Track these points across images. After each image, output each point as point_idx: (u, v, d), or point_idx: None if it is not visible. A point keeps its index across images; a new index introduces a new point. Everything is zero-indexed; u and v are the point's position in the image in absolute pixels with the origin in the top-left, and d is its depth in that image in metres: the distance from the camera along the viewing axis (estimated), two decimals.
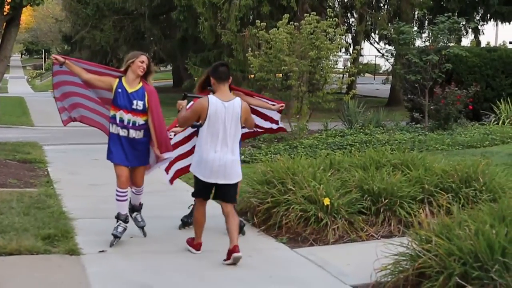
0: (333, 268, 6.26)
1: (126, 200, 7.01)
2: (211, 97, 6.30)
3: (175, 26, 32.86)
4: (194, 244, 6.68)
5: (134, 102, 6.80)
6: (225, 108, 6.26)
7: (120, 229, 6.92)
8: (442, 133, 15.38)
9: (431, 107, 16.55)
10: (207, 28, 25.07)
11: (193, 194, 6.71)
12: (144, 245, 6.89)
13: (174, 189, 8.52)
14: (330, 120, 17.55)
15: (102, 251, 6.62)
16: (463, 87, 17.07)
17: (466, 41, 34.61)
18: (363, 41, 31.89)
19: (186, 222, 7.60)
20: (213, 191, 6.54)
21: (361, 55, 38.15)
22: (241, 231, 7.21)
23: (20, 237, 6.68)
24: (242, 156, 12.51)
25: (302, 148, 13.07)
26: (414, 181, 7.90)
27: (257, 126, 7.62)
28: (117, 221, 6.95)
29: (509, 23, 31.23)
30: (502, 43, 41.52)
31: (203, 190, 6.51)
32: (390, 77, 30.27)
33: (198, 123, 6.37)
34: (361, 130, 15.78)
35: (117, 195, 6.96)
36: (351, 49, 30.12)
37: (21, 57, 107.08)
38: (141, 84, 6.88)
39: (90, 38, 33.25)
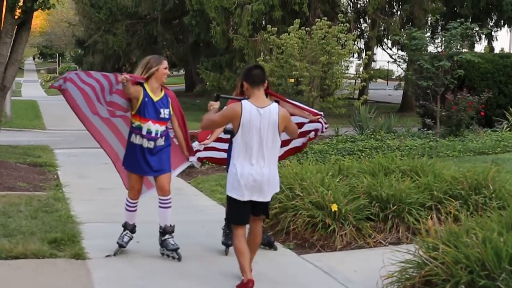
0: (340, 275, 6.22)
1: (135, 210, 6.79)
2: (245, 102, 5.59)
3: (188, 31, 32.98)
4: (245, 283, 5.67)
5: (161, 111, 6.48)
6: (260, 116, 5.54)
7: (126, 238, 6.76)
8: (453, 140, 15.29)
9: (443, 113, 16.46)
10: (219, 33, 25.13)
11: (230, 221, 6.03)
12: (151, 251, 6.86)
13: (180, 194, 8.51)
14: (341, 125, 17.49)
15: (109, 255, 6.60)
16: (475, 94, 16.96)
17: (479, 47, 34.48)
18: (375, 47, 31.88)
19: (229, 245, 6.76)
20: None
21: (374, 61, 38.12)
22: (272, 246, 7.05)
23: (27, 241, 6.69)
24: None
25: (312, 153, 13.03)
26: (423, 187, 7.84)
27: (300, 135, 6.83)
28: (124, 230, 6.79)
29: None
30: None
31: (241, 213, 5.72)
32: (403, 83, 30.18)
33: (231, 128, 5.78)
34: (372, 136, 15.71)
35: (127, 205, 6.76)
36: (363, 55, 30.06)
37: (34, 60, 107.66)
38: (163, 91, 6.60)
39: (103, 42, 33.37)
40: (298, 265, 6.69)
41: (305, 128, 6.97)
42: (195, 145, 6.70)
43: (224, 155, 7.04)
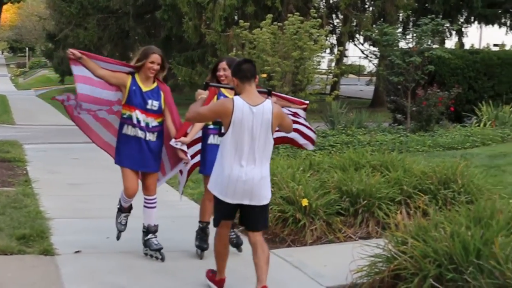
0: (310, 269, 6.24)
1: (131, 202, 6.59)
2: (237, 99, 5.16)
3: (160, 26, 32.78)
4: (216, 280, 5.65)
5: (149, 102, 6.25)
6: (253, 114, 5.12)
7: (124, 221, 6.62)
8: (423, 135, 15.40)
9: (413, 108, 16.59)
10: (191, 28, 25.03)
11: (215, 221, 5.51)
12: (121, 246, 6.81)
13: None
14: (312, 121, 17.47)
15: (78, 251, 6.55)
16: (445, 89, 17.11)
17: (450, 43, 34.78)
18: (347, 42, 31.97)
19: (205, 248, 6.64)
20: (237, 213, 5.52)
21: (345, 56, 38.24)
22: (239, 247, 6.72)
23: None
24: None
25: (283, 148, 13.04)
26: (393, 182, 7.90)
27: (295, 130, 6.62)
28: (119, 215, 6.62)
29: (493, 26, 31.40)
30: (486, 46, 41.71)
31: (226, 212, 5.38)
32: (374, 79, 30.33)
33: (219, 121, 5.40)
34: (343, 131, 15.77)
35: (123, 200, 6.54)
36: (335, 50, 30.17)
37: (3, 54, 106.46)
38: (156, 83, 6.37)
39: (74, 37, 33.04)
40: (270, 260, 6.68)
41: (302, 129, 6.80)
42: (172, 143, 6.30)
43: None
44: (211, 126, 6.34)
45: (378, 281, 5.38)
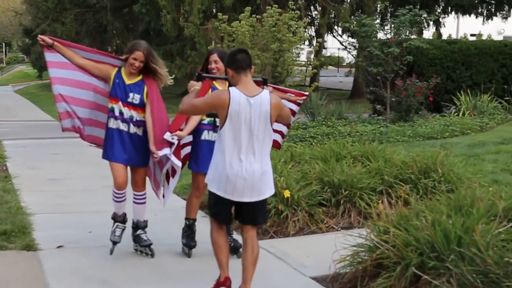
0: (293, 260, 6.27)
1: (124, 200, 6.31)
2: (233, 90, 4.92)
3: (138, 19, 32.59)
4: (221, 281, 5.20)
5: (131, 94, 6.11)
6: (250, 106, 4.86)
7: (118, 232, 6.32)
8: (403, 125, 15.49)
9: (393, 99, 16.68)
10: (169, 21, 24.92)
11: (210, 213, 5.33)
12: (103, 241, 6.78)
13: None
14: None
15: (60, 246, 6.53)
16: (424, 79, 17.22)
17: (428, 34, 34.93)
18: (326, 34, 32.02)
19: (192, 246, 6.47)
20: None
21: (324, 48, 38.29)
22: (237, 252, 6.33)
23: None
24: None
25: None
26: (374, 172, 7.95)
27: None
28: (114, 224, 6.35)
29: (470, 16, 31.59)
30: (463, 36, 41.96)
31: (222, 211, 5.12)
32: (353, 70, 30.41)
33: (214, 113, 5.33)
34: (324, 123, 15.83)
35: (114, 196, 6.28)
36: (314, 42, 30.18)
37: None
38: (140, 76, 6.20)
39: (51, 32, 32.62)
40: None
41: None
42: (166, 136, 6.04)
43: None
44: (206, 121, 6.16)
45: (360, 271, 5.42)
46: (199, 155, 6.20)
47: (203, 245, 6.66)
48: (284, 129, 6.91)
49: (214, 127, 5.67)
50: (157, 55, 6.30)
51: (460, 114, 17.44)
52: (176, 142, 6.03)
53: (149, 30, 31.12)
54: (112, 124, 6.18)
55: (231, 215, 5.19)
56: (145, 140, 6.15)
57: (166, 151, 6.02)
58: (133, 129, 6.16)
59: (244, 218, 5.12)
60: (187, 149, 6.43)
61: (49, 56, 6.18)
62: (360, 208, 7.48)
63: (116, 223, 6.34)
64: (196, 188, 6.38)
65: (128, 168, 6.31)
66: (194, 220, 6.53)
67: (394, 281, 4.99)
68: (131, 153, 6.18)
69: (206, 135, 6.19)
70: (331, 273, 5.62)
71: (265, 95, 4.96)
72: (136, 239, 6.42)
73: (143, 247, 6.38)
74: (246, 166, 4.88)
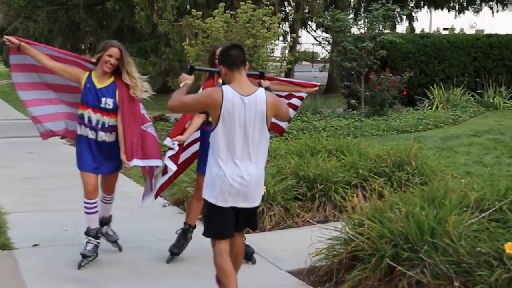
0: (269, 254, 6.30)
1: (96, 212, 6.00)
2: (226, 88, 4.56)
3: (111, 17, 32.39)
4: None
5: (103, 100, 5.79)
6: (245, 106, 4.53)
7: (90, 246, 5.95)
8: (377, 119, 15.61)
9: (367, 93, 16.79)
10: (143, 18, 24.79)
11: (207, 234, 4.80)
12: (79, 239, 6.74)
13: None
14: None
15: (36, 245, 6.50)
16: (397, 73, 17.36)
17: (401, 28, 35.13)
18: (300, 29, 32.08)
19: (175, 253, 6.18)
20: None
21: (299, 43, 38.38)
22: (251, 259, 6.05)
23: None
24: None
25: None
26: (349, 166, 8.02)
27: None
28: (86, 237, 6.00)
29: (442, 10, 31.84)
30: (436, 30, 42.26)
31: (223, 223, 4.66)
32: (327, 65, 30.53)
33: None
34: (299, 117, 15.89)
35: (85, 207, 5.95)
36: (288, 37, 30.24)
37: None
38: (112, 78, 5.87)
39: (24, 29, 32.38)
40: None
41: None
42: (167, 142, 5.75)
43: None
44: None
45: (336, 263, 5.47)
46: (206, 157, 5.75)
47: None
48: (284, 124, 6.58)
49: (207, 124, 5.38)
50: (131, 60, 6.04)
51: (434, 107, 17.62)
52: (176, 148, 5.77)
53: (122, 28, 30.98)
54: (82, 131, 5.90)
55: (233, 225, 4.72)
56: (115, 147, 5.90)
57: (136, 162, 5.92)
58: (102, 136, 5.86)
59: (241, 224, 4.81)
60: (196, 147, 6.15)
61: (14, 59, 5.93)
62: (335, 201, 7.54)
63: (89, 237, 6.00)
64: (198, 190, 5.88)
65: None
66: (191, 226, 6.19)
67: (369, 273, 5.05)
68: (100, 161, 5.91)
69: None
70: (307, 267, 5.67)
71: (261, 93, 4.62)
72: (103, 234, 6.28)
73: (110, 242, 6.35)
74: (242, 170, 4.56)
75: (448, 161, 9.75)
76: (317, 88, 6.50)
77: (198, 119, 5.77)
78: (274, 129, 6.36)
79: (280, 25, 20.96)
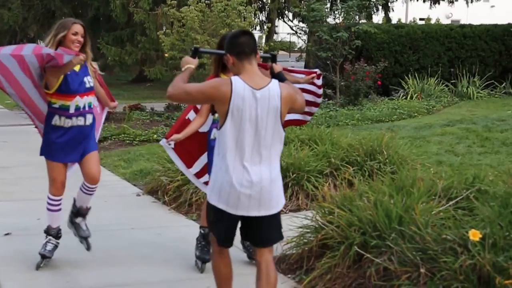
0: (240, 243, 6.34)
1: (59, 210, 5.64)
2: (236, 80, 4.01)
3: (86, 5, 32.15)
4: None
5: (86, 80, 5.42)
6: (256, 101, 3.99)
7: (49, 246, 5.64)
8: (352, 109, 15.72)
9: (342, 83, 16.89)
10: (119, 7, 24.69)
11: (212, 232, 4.33)
12: None
13: None
14: None
15: (8, 234, 6.51)
16: (372, 63, 17.48)
17: (377, 18, 35.25)
18: (277, 19, 32.10)
19: (207, 260, 5.57)
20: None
21: (276, 33, 38.38)
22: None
23: None
24: (155, 135, 12.54)
25: None
26: (321, 155, 8.09)
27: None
28: (46, 237, 5.68)
29: (417, 1, 31.98)
30: (412, 20, 42.50)
31: (225, 229, 4.19)
32: (304, 55, 30.59)
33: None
34: None
35: (49, 203, 5.59)
36: (265, 27, 30.24)
37: None
38: None
39: None
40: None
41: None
42: (163, 143, 5.48)
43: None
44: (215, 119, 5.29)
45: (307, 251, 5.54)
46: (210, 157, 5.33)
47: (152, 230, 6.75)
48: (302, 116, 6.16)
49: (212, 112, 5.02)
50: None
51: (408, 97, 17.77)
52: (172, 146, 5.49)
53: (98, 16, 30.78)
54: (63, 122, 5.38)
55: (234, 233, 4.26)
56: (93, 124, 5.60)
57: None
58: (89, 119, 5.50)
59: (253, 238, 4.26)
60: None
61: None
62: (308, 190, 7.60)
63: (49, 237, 5.68)
64: None
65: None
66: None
67: (338, 260, 5.11)
68: (86, 143, 5.50)
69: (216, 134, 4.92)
70: (278, 255, 5.70)
71: (274, 86, 4.09)
72: (75, 225, 5.82)
73: (80, 238, 5.82)
74: (251, 173, 4.03)
75: (420, 150, 9.88)
76: (315, 75, 5.89)
77: (200, 119, 5.31)
78: (292, 124, 6.31)
79: (257, 15, 20.98)
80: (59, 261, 5.75)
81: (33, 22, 33.35)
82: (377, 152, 8.12)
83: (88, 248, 5.79)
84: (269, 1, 28.36)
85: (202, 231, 5.66)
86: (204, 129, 5.47)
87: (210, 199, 4.15)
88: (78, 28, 5.33)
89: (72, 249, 6.05)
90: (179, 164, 5.67)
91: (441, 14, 47.73)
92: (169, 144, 5.40)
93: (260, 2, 30.50)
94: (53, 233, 5.67)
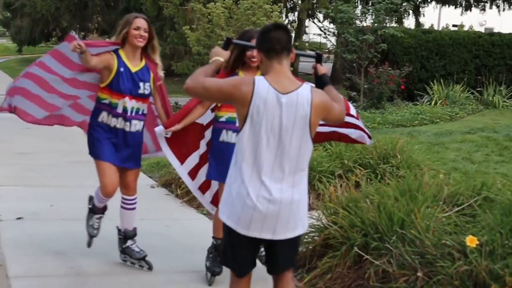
0: None
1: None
2: (260, 81, 3.49)
3: None
4: None
5: (141, 84, 5.11)
6: (281, 106, 3.45)
7: (97, 224, 5.51)
8: (374, 112, 15.68)
9: (365, 86, 16.87)
10: (149, 1, 24.93)
11: (223, 262, 3.97)
12: (63, 213, 6.90)
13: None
14: None
15: (20, 218, 6.64)
16: (398, 67, 17.41)
17: (409, 23, 35.06)
18: (307, 20, 32.11)
19: (217, 272, 5.29)
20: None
21: (306, 33, 38.37)
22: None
23: None
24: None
25: None
26: (335, 156, 8.12)
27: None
28: (90, 217, 5.52)
29: (449, 6, 31.76)
30: (445, 26, 42.20)
31: (239, 253, 3.63)
32: (332, 56, 30.55)
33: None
34: None
35: (97, 199, 5.41)
36: (291, 26, 30.26)
37: None
38: (144, 61, 5.20)
39: (31, 6, 32.57)
40: (209, 229, 6.71)
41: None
42: (159, 130, 5.14)
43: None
44: (224, 119, 4.98)
45: (310, 250, 5.58)
46: (217, 161, 5.01)
47: (162, 222, 6.82)
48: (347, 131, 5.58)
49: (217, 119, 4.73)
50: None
51: (433, 103, 17.66)
52: (168, 136, 5.16)
53: (129, 9, 30.95)
54: (109, 120, 5.15)
55: (254, 258, 3.72)
56: (141, 136, 5.32)
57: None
58: (136, 125, 5.19)
59: (268, 263, 3.77)
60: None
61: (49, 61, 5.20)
62: (319, 190, 7.63)
63: (96, 215, 5.50)
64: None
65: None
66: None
67: (339, 260, 5.15)
68: (125, 154, 5.21)
69: (225, 136, 4.98)
70: None
71: (305, 91, 3.52)
72: (126, 251, 5.52)
73: (136, 260, 5.50)
74: (271, 190, 3.47)
75: (437, 156, 9.87)
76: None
77: (201, 109, 5.04)
78: (326, 138, 5.68)
79: (282, 14, 21.00)
80: (65, 247, 5.86)
81: (65, 11, 33.71)
82: (391, 155, 8.13)
83: (150, 267, 5.46)
84: (300, 1, 28.36)
85: (214, 242, 5.37)
86: (202, 120, 5.23)
87: (220, 213, 3.61)
88: (140, 22, 5.06)
89: (79, 235, 6.13)
90: (172, 159, 5.28)
91: (475, 22, 47.28)
92: (166, 134, 5.10)
93: (291, 2, 30.55)
94: (100, 211, 5.49)
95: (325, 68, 3.99)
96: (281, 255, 3.65)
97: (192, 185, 5.44)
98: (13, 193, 7.61)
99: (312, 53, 4.14)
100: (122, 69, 5.03)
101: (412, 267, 4.67)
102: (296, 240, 3.69)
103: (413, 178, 6.01)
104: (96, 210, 5.47)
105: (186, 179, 5.39)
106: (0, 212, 6.72)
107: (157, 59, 5.32)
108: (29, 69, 5.30)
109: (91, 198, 5.55)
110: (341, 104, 3.75)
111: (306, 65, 37.20)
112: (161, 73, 5.33)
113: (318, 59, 4.05)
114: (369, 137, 5.53)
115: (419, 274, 4.58)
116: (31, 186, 8.11)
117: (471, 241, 4.33)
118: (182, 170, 5.33)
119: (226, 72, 4.89)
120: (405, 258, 4.73)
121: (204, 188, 5.46)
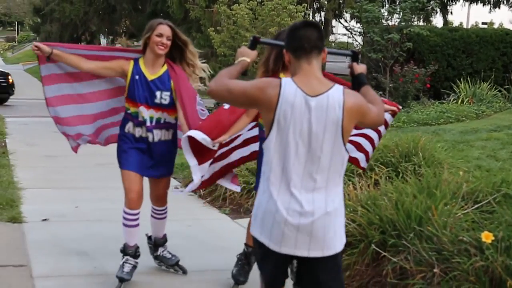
0: None
1: (137, 226, 5.07)
2: (287, 83, 3.20)
3: (146, 0, 32.77)
4: None
5: (157, 93, 4.83)
6: (309, 110, 3.16)
7: (127, 267, 5.05)
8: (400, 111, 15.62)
9: (390, 85, 16.84)
10: (175, 3, 25.12)
11: (258, 267, 3.51)
12: (88, 215, 7.02)
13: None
14: None
15: (45, 219, 6.76)
16: (424, 66, 17.35)
17: (437, 21, 34.89)
18: (333, 19, 32.07)
19: (241, 282, 5.17)
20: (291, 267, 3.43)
21: (332, 33, 38.33)
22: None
23: None
24: None
25: None
26: None
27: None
28: (123, 257, 5.10)
29: (477, 4, 31.51)
30: (474, 24, 41.90)
31: (271, 269, 3.39)
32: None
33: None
34: None
35: (124, 218, 5.01)
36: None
37: None
38: (165, 67, 4.90)
39: (60, 11, 33.04)
40: (231, 229, 6.92)
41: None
42: (203, 139, 4.51)
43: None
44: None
45: None
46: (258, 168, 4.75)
47: (184, 222, 6.88)
48: (374, 135, 5.48)
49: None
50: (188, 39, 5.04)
51: (459, 101, 17.56)
52: (215, 148, 4.68)
53: (156, 12, 31.28)
54: (132, 129, 4.96)
55: (286, 273, 3.43)
56: (171, 146, 5.07)
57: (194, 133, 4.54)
58: (157, 135, 4.92)
59: (306, 284, 3.38)
60: (255, 146, 5.09)
61: (45, 69, 5.06)
62: None
63: (126, 257, 5.09)
64: None
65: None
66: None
67: (357, 258, 5.19)
68: (151, 163, 4.99)
69: None
70: None
71: (336, 93, 3.20)
72: (159, 257, 5.47)
73: (170, 266, 5.44)
74: (301, 201, 3.19)
75: (461, 154, 9.81)
76: (397, 111, 5.05)
77: (246, 119, 4.68)
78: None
79: (307, 14, 21.02)
80: (88, 248, 5.96)
81: (94, 15, 34.12)
82: (413, 154, 8.12)
83: (184, 272, 5.41)
84: (326, 1, 28.35)
85: (245, 249, 5.17)
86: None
87: (252, 228, 3.36)
88: (163, 29, 4.79)
89: (103, 236, 6.26)
90: (191, 160, 4.66)
91: (505, 19, 46.81)
92: (214, 146, 4.58)
93: (318, 2, 30.53)
94: (131, 252, 5.08)
95: (362, 67, 3.69)
96: (322, 275, 3.30)
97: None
98: (39, 196, 7.76)
99: (348, 51, 3.92)
100: (137, 77, 4.83)
101: (429, 264, 4.69)
102: (337, 259, 3.35)
103: (432, 176, 6.01)
104: (126, 250, 5.09)
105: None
106: (25, 214, 6.86)
107: (198, 70, 5.04)
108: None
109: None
110: (380, 106, 3.45)
111: (333, 65, 37.19)
112: (196, 84, 5.05)
113: (355, 57, 3.80)
114: (367, 160, 5.46)
115: (435, 270, 4.60)
116: (58, 188, 8.26)
117: (487, 237, 4.34)
118: (198, 170, 4.72)
119: (267, 77, 4.34)
120: (422, 255, 4.75)
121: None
